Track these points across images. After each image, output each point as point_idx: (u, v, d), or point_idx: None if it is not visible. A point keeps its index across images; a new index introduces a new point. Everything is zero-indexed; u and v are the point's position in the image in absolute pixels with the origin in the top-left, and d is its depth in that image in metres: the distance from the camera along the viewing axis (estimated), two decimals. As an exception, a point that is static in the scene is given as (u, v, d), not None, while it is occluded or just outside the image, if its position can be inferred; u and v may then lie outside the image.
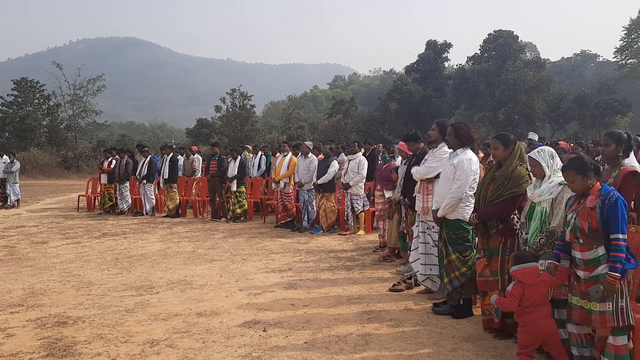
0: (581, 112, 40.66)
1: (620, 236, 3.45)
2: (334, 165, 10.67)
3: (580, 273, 3.66)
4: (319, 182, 10.65)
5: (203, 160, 15.74)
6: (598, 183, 3.67)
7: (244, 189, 12.52)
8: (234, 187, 12.35)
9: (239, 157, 12.46)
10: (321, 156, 11.45)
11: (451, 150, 5.42)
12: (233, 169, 12.32)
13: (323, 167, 10.72)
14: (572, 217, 3.69)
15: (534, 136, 16.80)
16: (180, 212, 13.68)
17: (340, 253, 8.63)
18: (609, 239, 3.50)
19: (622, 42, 45.64)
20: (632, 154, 6.13)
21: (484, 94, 42.73)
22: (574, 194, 3.81)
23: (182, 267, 7.64)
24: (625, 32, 45.46)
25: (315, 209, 10.99)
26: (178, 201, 13.70)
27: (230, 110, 41.67)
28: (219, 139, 35.59)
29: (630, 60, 46.23)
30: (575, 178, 3.66)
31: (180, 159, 15.44)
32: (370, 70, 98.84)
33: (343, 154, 11.49)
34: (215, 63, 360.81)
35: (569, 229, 3.70)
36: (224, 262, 8.00)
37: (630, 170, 4.90)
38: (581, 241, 3.63)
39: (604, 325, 3.53)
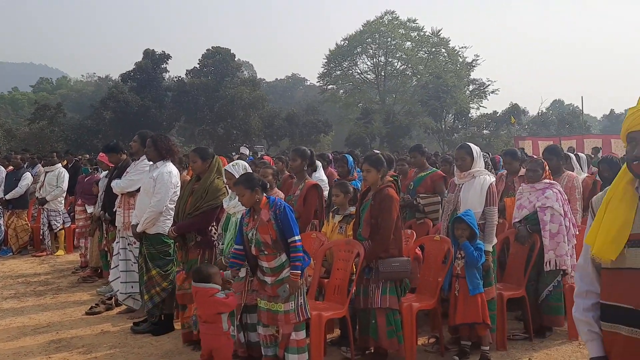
0: (291, 129, 44.93)
1: (296, 238, 3.88)
2: (27, 178, 9.41)
3: (268, 279, 3.95)
4: (7, 197, 9.26)
5: None
6: (265, 197, 4.00)
7: None
8: None
9: None
10: (10, 167, 9.97)
11: (151, 162, 5.28)
12: None
13: (13, 180, 9.36)
14: (252, 234, 3.95)
15: (245, 150, 17.88)
16: None
17: (32, 277, 7.60)
18: (287, 243, 3.86)
19: (323, 69, 52.10)
20: (320, 169, 6.97)
21: (203, 108, 43.62)
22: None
23: None
24: (326, 60, 52.03)
25: (3, 228, 9.48)
26: None
27: None
28: None
29: (330, 86, 53.11)
30: (244, 192, 3.93)
31: None
32: (83, 75, 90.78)
33: (39, 164, 10.22)
34: None
35: (253, 244, 3.96)
36: None
37: (313, 183, 5.53)
38: (266, 252, 3.92)
39: (288, 322, 3.87)
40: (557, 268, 4.78)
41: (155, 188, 5.07)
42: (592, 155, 13.71)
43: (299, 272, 3.85)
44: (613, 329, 1.99)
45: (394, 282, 4.22)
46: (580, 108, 35.29)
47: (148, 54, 43.53)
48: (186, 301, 4.67)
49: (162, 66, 44.53)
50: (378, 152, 4.69)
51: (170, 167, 5.22)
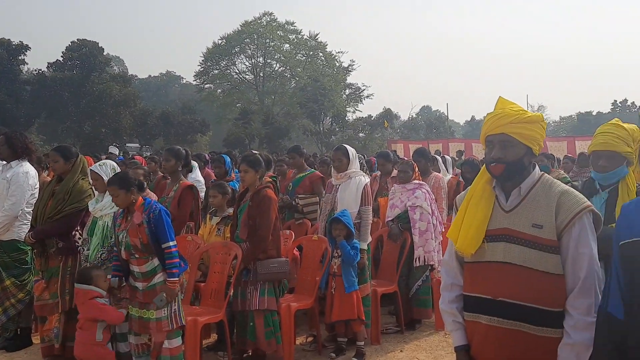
0: (166, 129, 43.23)
1: (171, 244, 3.70)
2: None
3: (139, 284, 3.73)
4: None
5: None
6: (140, 198, 3.81)
7: None
8: None
9: None
10: None
11: (4, 162, 4.76)
12: None
13: None
14: (123, 236, 3.73)
15: (115, 150, 16.87)
16: None
17: None
18: (161, 249, 3.68)
19: (200, 67, 50.88)
20: (196, 170, 6.76)
21: (68, 104, 40.47)
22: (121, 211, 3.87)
23: None
24: (203, 58, 50.85)
25: None
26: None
27: None
28: None
29: (208, 85, 52.03)
30: (119, 193, 3.71)
31: None
32: None
33: None
34: None
35: (123, 247, 3.73)
36: None
37: (188, 184, 5.33)
38: (137, 256, 3.70)
39: (160, 330, 3.69)
40: (426, 263, 5.08)
41: (10, 190, 4.60)
42: (457, 158, 14.92)
43: (176, 279, 3.70)
44: (474, 318, 2.14)
45: (272, 283, 4.20)
46: (446, 114, 38.16)
47: (3, 43, 39.40)
48: (46, 313, 4.27)
49: (20, 58, 40.60)
50: (256, 152, 4.64)
51: (27, 167, 4.75)
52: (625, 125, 2.79)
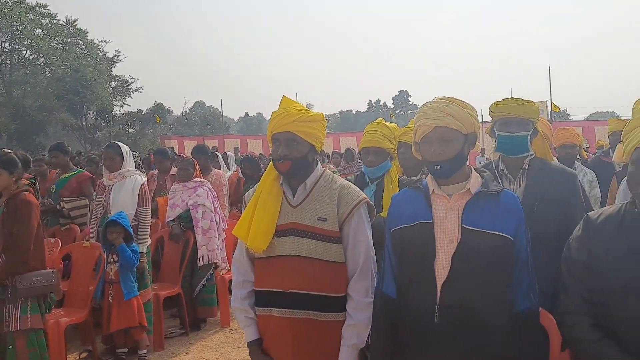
0: None
1: None
2: None
3: None
4: None
5: None
6: None
7: None
8: None
9: None
10: None
11: None
12: None
13: None
14: None
15: None
16: None
17: None
18: None
19: None
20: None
21: None
22: None
23: None
24: None
25: None
26: None
27: None
28: None
29: None
30: None
31: None
32: None
33: None
34: None
35: None
36: None
37: None
38: None
39: None
40: (210, 262, 5.03)
41: None
42: (234, 154, 15.08)
43: None
44: (266, 312, 2.18)
45: (35, 299, 3.68)
46: (220, 110, 38.29)
47: None
48: None
49: None
50: (10, 151, 3.98)
51: None
52: (387, 124, 3.14)
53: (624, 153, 1.85)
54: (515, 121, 2.63)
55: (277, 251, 2.15)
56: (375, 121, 3.16)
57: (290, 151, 2.14)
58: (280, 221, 2.17)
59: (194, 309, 5.08)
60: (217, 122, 43.18)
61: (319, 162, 2.29)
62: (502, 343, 1.84)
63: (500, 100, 2.72)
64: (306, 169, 2.19)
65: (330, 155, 10.94)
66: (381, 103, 66.07)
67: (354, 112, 65.73)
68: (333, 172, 7.09)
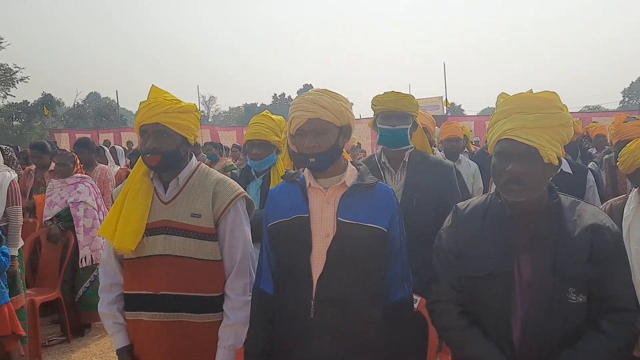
0: None
1: None
2: None
3: None
4: None
5: None
6: None
7: None
8: None
9: None
10: None
11: None
12: None
13: None
14: None
15: None
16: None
17: None
18: None
19: None
20: None
21: None
22: None
23: None
24: None
25: None
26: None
27: None
28: None
29: None
30: None
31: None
32: None
33: None
34: None
35: None
36: None
37: None
38: None
39: None
40: (93, 263, 4.71)
41: None
42: (127, 148, 14.06)
43: None
44: (136, 316, 2.05)
45: None
46: (116, 102, 36.37)
47: None
48: None
49: None
50: None
51: None
52: (273, 116, 3.07)
53: (489, 145, 1.91)
54: (395, 115, 2.67)
55: (147, 251, 2.02)
56: (261, 113, 3.08)
57: (160, 144, 2.01)
58: (150, 219, 2.03)
59: (76, 313, 4.75)
60: (114, 115, 41.02)
61: (193, 156, 2.18)
62: (378, 334, 1.84)
63: (381, 93, 2.75)
64: (178, 162, 2.07)
65: (229, 148, 10.70)
66: (286, 96, 66.17)
67: (258, 105, 65.29)
68: (229, 166, 6.89)
